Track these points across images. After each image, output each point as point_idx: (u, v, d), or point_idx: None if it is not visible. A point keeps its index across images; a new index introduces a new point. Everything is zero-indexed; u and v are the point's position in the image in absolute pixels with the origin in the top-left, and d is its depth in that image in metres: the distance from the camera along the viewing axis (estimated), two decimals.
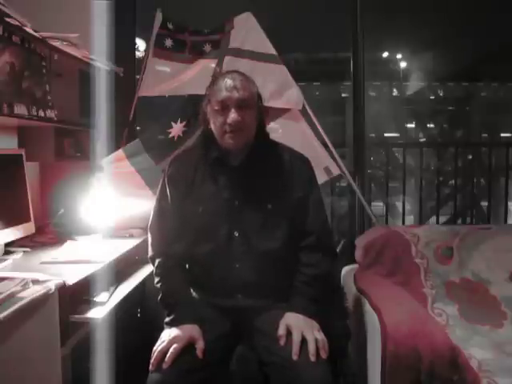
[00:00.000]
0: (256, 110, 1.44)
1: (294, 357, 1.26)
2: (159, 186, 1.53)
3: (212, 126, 1.44)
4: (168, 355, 1.26)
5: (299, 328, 1.31)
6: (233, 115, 1.37)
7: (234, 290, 1.43)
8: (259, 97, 1.47)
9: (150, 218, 1.53)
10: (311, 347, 1.27)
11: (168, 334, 1.32)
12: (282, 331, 1.32)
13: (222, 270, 1.43)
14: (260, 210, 1.43)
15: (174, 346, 1.28)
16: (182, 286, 1.44)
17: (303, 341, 1.29)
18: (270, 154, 1.49)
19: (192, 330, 1.33)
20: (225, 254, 1.42)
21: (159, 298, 1.43)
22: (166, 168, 1.54)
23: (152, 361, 1.27)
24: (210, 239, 1.43)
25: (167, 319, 1.39)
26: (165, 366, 1.25)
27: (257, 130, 1.46)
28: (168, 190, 1.49)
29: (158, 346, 1.29)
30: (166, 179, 1.51)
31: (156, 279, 1.46)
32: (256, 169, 1.45)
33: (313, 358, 1.25)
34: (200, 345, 1.30)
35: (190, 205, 1.45)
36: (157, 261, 1.47)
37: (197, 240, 1.45)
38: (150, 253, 1.50)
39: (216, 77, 1.49)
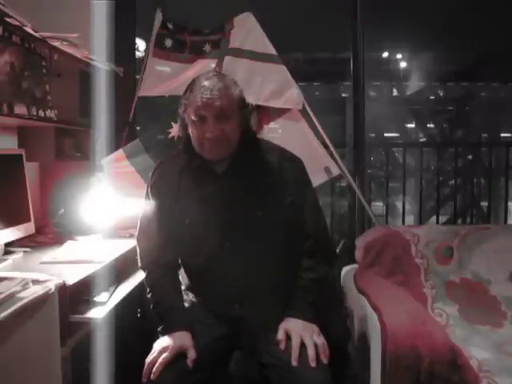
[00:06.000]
0: (238, 116, 1.33)
1: (294, 363, 1.23)
2: (144, 196, 1.47)
3: (190, 134, 1.35)
4: (156, 365, 1.23)
5: (298, 333, 1.29)
6: (211, 129, 1.28)
7: (231, 300, 1.39)
8: (242, 99, 1.35)
9: (137, 229, 1.48)
10: (311, 353, 1.25)
11: (160, 344, 1.30)
12: (281, 336, 1.30)
13: (216, 281, 1.39)
14: (250, 217, 1.35)
15: (164, 355, 1.25)
16: (171, 293, 1.41)
17: (303, 345, 1.27)
18: (257, 157, 1.39)
19: (183, 338, 1.30)
20: (217, 266, 1.37)
21: (151, 307, 1.40)
22: (149, 176, 1.47)
23: (143, 372, 1.25)
24: (200, 251, 1.38)
25: (159, 328, 1.36)
26: (153, 376, 1.22)
27: (242, 132, 1.37)
28: (152, 200, 1.43)
29: (149, 357, 1.27)
30: (149, 189, 1.44)
31: (147, 289, 1.43)
32: (243, 174, 1.37)
33: (313, 364, 1.23)
34: (191, 354, 1.27)
35: (175, 216, 1.40)
36: (146, 271, 1.45)
37: (187, 252, 1.42)
38: (139, 264, 1.48)
39: (193, 80, 1.35)
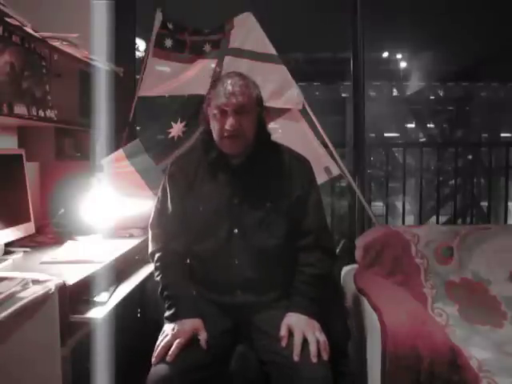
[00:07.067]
0: (255, 113, 1.44)
1: (296, 358, 1.26)
2: (161, 185, 1.55)
3: (212, 129, 1.45)
4: (172, 348, 1.27)
5: (300, 329, 1.32)
6: (230, 121, 1.38)
7: (234, 286, 1.44)
8: (260, 99, 1.47)
9: (151, 215, 1.55)
10: (312, 348, 1.28)
11: (171, 328, 1.32)
12: (283, 332, 1.33)
13: (221, 266, 1.45)
14: (259, 208, 1.44)
15: (178, 340, 1.28)
16: (181, 278, 1.45)
17: (305, 341, 1.29)
18: (269, 155, 1.50)
19: (195, 323, 1.34)
20: (224, 251, 1.44)
21: (159, 290, 1.44)
22: (168, 167, 1.56)
23: (155, 354, 1.28)
24: (209, 236, 1.45)
25: (167, 313, 1.39)
26: (169, 359, 1.25)
27: (258, 130, 1.46)
28: (168, 189, 1.51)
29: (162, 341, 1.30)
30: (166, 179, 1.53)
31: (156, 273, 1.47)
32: (256, 168, 1.46)
33: (314, 359, 1.26)
34: (203, 336, 1.31)
35: (190, 203, 1.47)
36: (156, 255, 1.48)
37: (197, 237, 1.47)
38: (150, 249, 1.52)
39: (218, 78, 1.50)
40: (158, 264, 1.47)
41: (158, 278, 1.46)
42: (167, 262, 1.47)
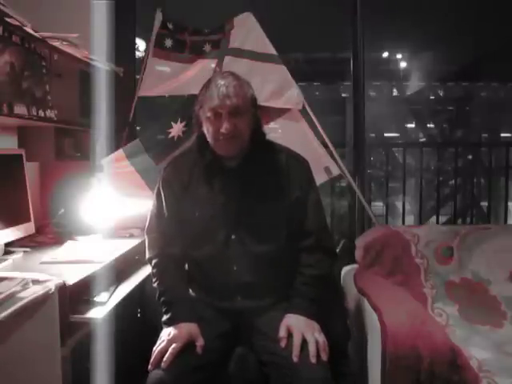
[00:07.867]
0: (250, 114, 1.41)
1: (295, 359, 1.26)
2: (155, 190, 1.53)
3: (205, 131, 1.42)
4: (167, 355, 1.26)
5: (300, 329, 1.32)
6: (226, 125, 1.34)
7: (233, 292, 1.43)
8: (254, 99, 1.43)
9: (147, 221, 1.53)
10: (312, 349, 1.27)
11: (167, 334, 1.32)
12: (283, 333, 1.32)
13: (220, 272, 1.43)
14: (257, 211, 1.42)
15: (173, 345, 1.28)
16: (178, 283, 1.44)
17: (304, 342, 1.29)
18: (266, 155, 1.47)
19: (191, 328, 1.33)
20: (222, 257, 1.42)
21: (157, 296, 1.44)
22: (162, 172, 1.54)
23: (151, 360, 1.28)
24: (207, 242, 1.43)
25: (165, 318, 1.39)
26: (164, 365, 1.25)
27: (253, 131, 1.44)
28: (163, 193, 1.48)
29: (158, 346, 1.30)
30: (160, 183, 1.50)
31: (153, 279, 1.46)
32: (252, 171, 1.44)
33: (313, 360, 1.25)
34: (200, 342, 1.31)
35: (185, 208, 1.45)
36: (153, 261, 1.48)
37: (194, 243, 1.45)
38: (148, 255, 1.51)
39: (210, 79, 1.45)
40: (154, 270, 1.46)
41: (156, 284, 1.45)
42: (164, 267, 1.45)
